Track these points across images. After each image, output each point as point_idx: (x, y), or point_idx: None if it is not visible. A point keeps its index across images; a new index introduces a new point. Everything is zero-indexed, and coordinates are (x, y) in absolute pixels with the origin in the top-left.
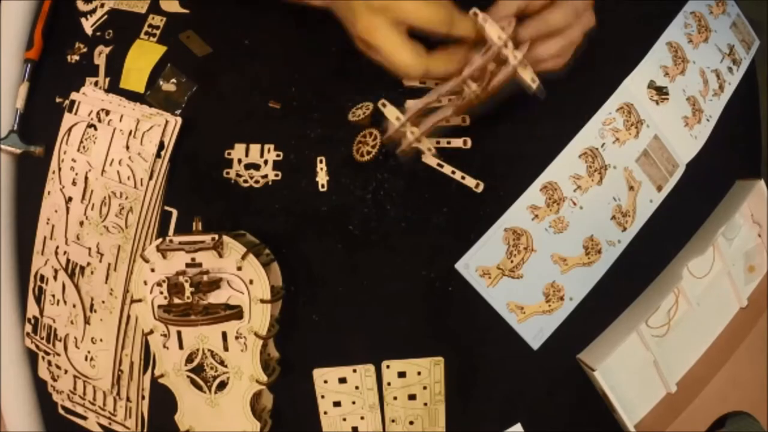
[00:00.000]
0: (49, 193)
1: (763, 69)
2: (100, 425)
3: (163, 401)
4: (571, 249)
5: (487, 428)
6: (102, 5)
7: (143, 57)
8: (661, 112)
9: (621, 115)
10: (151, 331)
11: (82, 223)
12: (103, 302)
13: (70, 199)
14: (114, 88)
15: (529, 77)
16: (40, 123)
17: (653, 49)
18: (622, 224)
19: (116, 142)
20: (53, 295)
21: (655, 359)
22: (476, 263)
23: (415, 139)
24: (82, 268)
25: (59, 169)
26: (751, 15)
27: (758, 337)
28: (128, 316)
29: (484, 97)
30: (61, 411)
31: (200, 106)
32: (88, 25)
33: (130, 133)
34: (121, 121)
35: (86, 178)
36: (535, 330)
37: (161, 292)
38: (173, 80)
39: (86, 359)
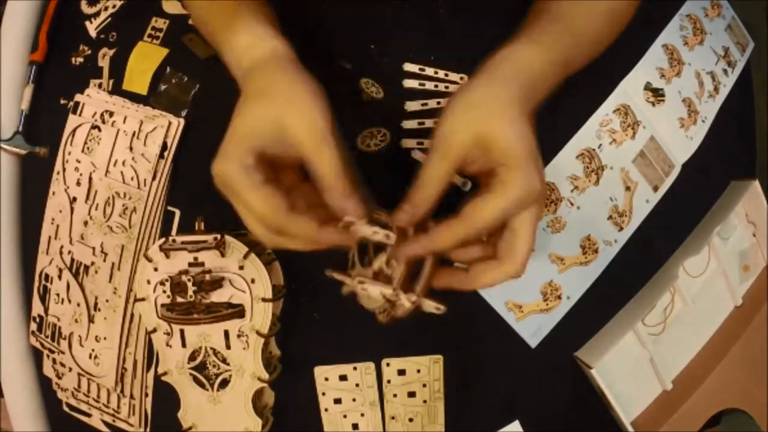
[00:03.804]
0: (53, 193)
1: (758, 71)
2: (104, 422)
3: (166, 398)
4: (569, 248)
5: (485, 425)
6: (106, 8)
7: (146, 59)
8: (658, 114)
9: (618, 116)
10: (154, 330)
11: (86, 223)
12: (107, 301)
13: (75, 199)
14: (118, 89)
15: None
16: (44, 124)
17: (649, 52)
18: (618, 224)
19: (120, 143)
20: (58, 294)
21: (651, 357)
22: None
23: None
24: (87, 268)
25: (64, 170)
26: (746, 18)
27: (753, 336)
28: (132, 315)
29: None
30: (65, 408)
31: (202, 107)
32: (92, 28)
33: (133, 134)
34: (124, 122)
35: (90, 178)
36: (533, 328)
37: (164, 291)
38: (175, 81)
39: (90, 357)
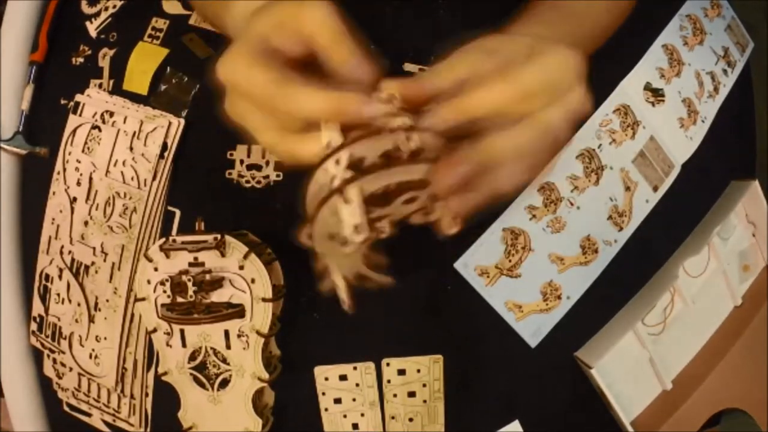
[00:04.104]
0: (54, 193)
1: (758, 71)
2: (105, 422)
3: (166, 398)
4: (569, 248)
5: (485, 425)
6: (106, 8)
7: (146, 59)
8: (657, 114)
9: (618, 116)
10: (155, 330)
11: (86, 223)
12: (107, 301)
13: (75, 199)
14: (118, 89)
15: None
16: (45, 124)
17: (649, 52)
18: (618, 224)
19: (120, 143)
20: (58, 294)
21: (651, 357)
22: (475, 262)
23: None
24: (87, 268)
25: (64, 170)
26: (746, 18)
27: (753, 336)
28: (132, 315)
29: None
30: (65, 408)
31: (203, 107)
32: (92, 28)
33: (133, 134)
34: (125, 122)
35: (90, 178)
36: (533, 328)
37: (164, 291)
38: (175, 81)
39: (91, 357)
